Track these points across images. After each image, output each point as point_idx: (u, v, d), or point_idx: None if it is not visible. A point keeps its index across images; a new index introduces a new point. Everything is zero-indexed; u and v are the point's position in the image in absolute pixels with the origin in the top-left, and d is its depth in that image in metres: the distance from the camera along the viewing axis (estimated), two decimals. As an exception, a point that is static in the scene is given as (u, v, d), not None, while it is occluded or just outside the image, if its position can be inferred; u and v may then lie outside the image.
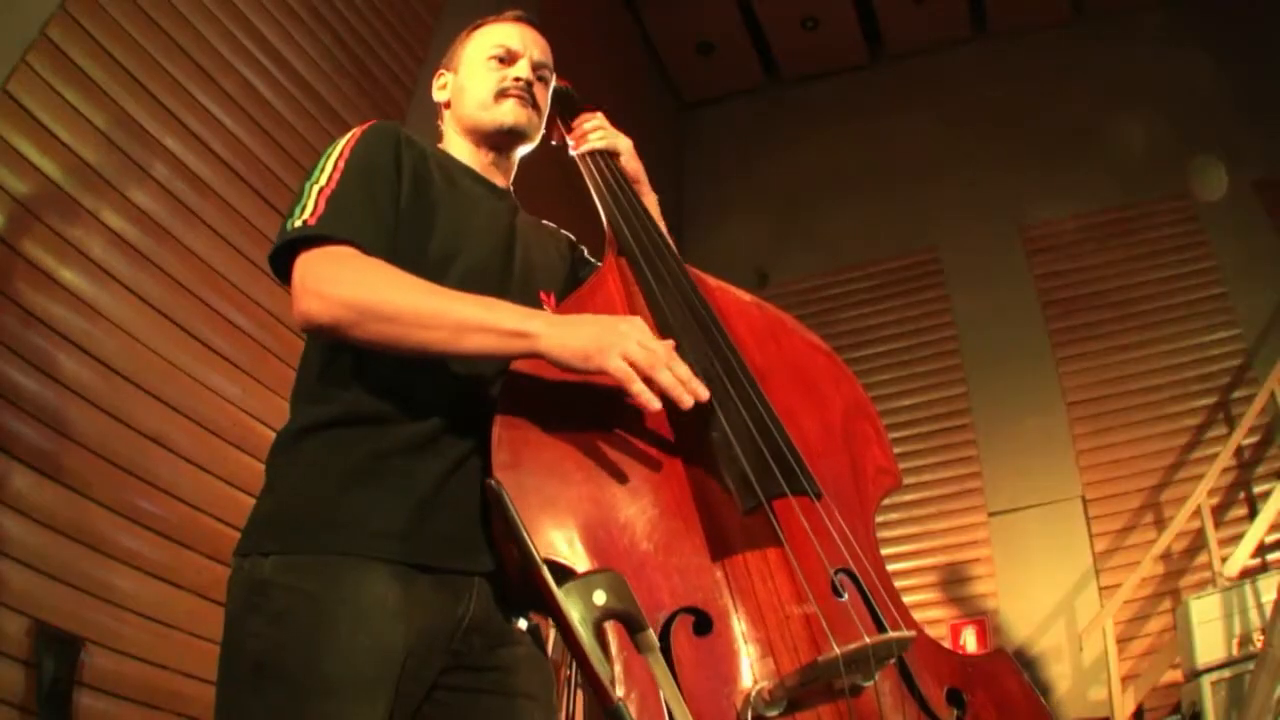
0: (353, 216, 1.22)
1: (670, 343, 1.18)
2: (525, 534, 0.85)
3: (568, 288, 1.51)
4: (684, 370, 1.15)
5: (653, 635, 0.92)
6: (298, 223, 1.20)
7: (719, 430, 1.16)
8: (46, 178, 2.46)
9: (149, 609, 2.46)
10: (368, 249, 1.20)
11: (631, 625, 0.91)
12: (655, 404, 1.12)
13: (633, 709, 0.98)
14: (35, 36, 2.47)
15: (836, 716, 1.03)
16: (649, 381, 1.11)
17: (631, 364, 1.11)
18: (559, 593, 0.83)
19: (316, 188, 1.24)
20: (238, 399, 2.89)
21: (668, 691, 0.92)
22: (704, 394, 1.16)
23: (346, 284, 1.15)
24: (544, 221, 1.61)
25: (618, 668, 1.01)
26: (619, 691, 0.99)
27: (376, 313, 1.13)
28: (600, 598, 0.87)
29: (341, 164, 1.27)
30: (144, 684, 2.41)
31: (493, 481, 0.94)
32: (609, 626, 1.02)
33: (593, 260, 1.64)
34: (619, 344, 1.12)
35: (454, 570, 1.20)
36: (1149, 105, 5.74)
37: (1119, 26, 6.26)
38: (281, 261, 1.21)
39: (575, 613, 0.84)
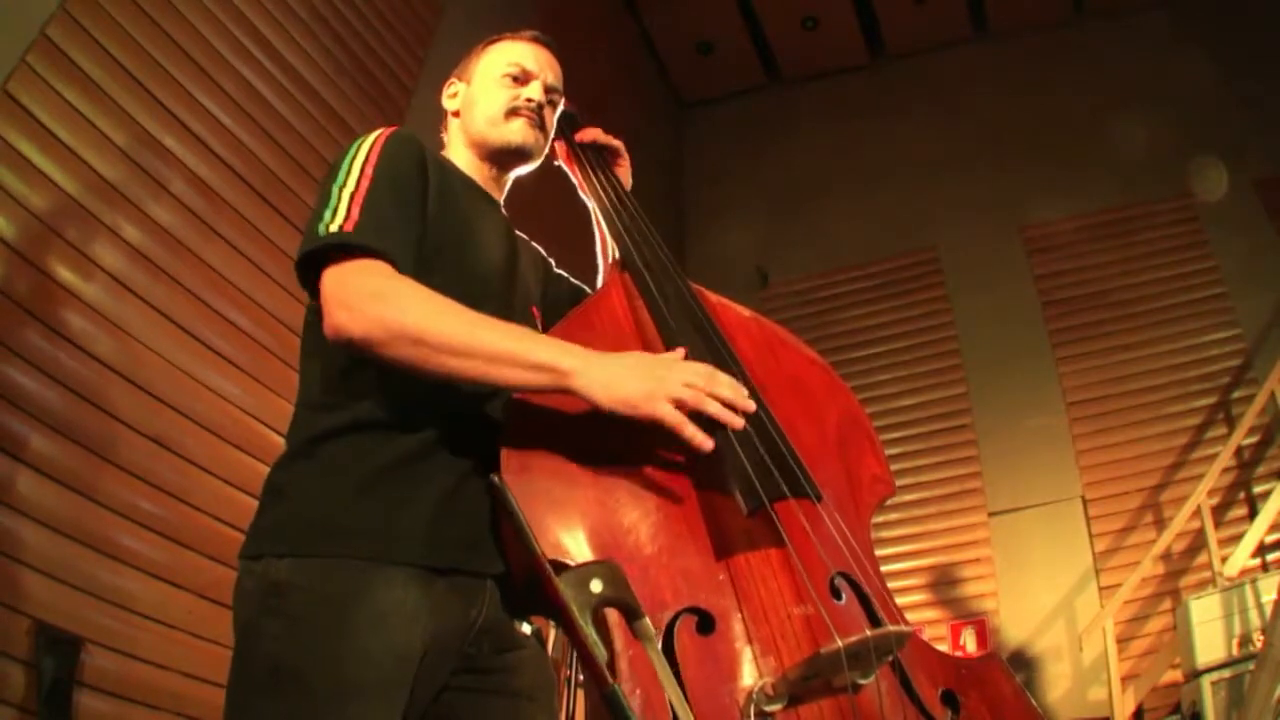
0: (388, 227, 1.21)
1: (711, 369, 1.18)
2: (526, 524, 0.87)
3: (542, 302, 1.53)
4: (726, 389, 1.16)
5: (649, 623, 0.93)
6: (332, 227, 1.18)
7: (723, 435, 1.17)
8: (45, 177, 2.46)
9: (149, 609, 2.47)
10: (399, 263, 1.19)
11: (628, 613, 0.92)
12: (708, 445, 1.13)
13: (636, 704, 1.00)
14: (35, 36, 2.47)
15: (838, 713, 1.04)
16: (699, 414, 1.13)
17: (680, 405, 1.12)
18: (559, 580, 0.85)
19: (346, 191, 1.22)
20: (238, 399, 2.89)
21: (663, 677, 0.93)
22: (751, 406, 1.17)
23: (382, 302, 1.14)
24: (518, 233, 1.62)
25: (623, 663, 1.02)
26: (624, 686, 1.00)
27: (408, 334, 1.13)
28: (597, 586, 0.89)
29: (370, 170, 1.25)
30: (144, 684, 2.41)
31: (495, 478, 0.95)
32: (613, 620, 1.03)
33: (561, 273, 1.65)
34: (665, 389, 1.13)
35: (469, 573, 1.21)
36: (1149, 105, 5.74)
37: (1119, 26, 6.27)
38: (308, 264, 1.20)
39: (573, 600, 0.86)
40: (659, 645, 0.97)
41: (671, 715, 0.95)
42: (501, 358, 1.13)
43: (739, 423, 1.15)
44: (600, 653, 0.82)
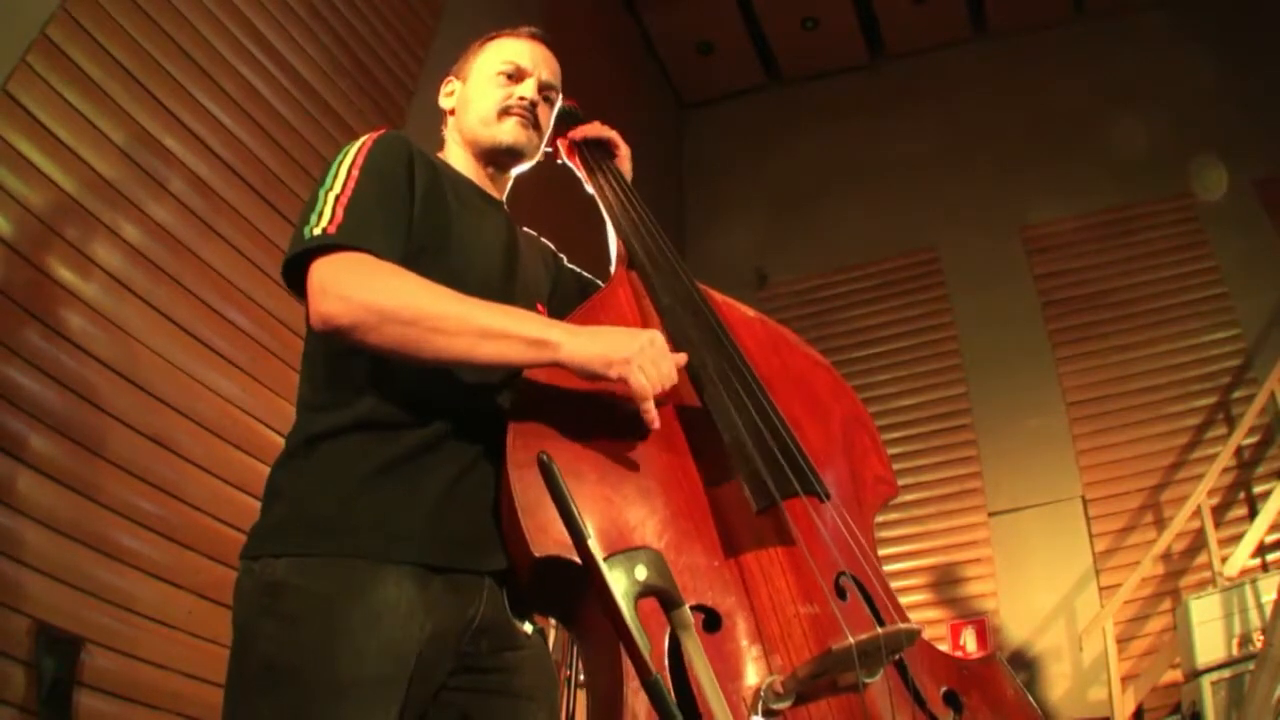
0: (372, 225, 1.22)
1: (680, 358, 1.21)
2: (573, 505, 0.85)
3: (550, 298, 1.53)
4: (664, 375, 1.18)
5: (688, 612, 0.92)
6: (316, 230, 1.19)
7: (733, 432, 1.18)
8: (45, 177, 2.45)
9: (149, 609, 2.46)
10: (384, 258, 1.20)
11: (668, 602, 0.91)
12: (656, 425, 1.15)
13: (641, 700, 0.99)
14: (35, 36, 2.47)
15: (845, 711, 1.04)
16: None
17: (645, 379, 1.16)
18: (604, 565, 0.84)
19: (332, 195, 1.23)
20: (238, 399, 2.89)
21: (700, 668, 0.93)
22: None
23: (368, 287, 1.15)
24: (526, 229, 1.61)
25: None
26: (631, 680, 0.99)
27: (397, 316, 1.13)
28: (642, 573, 0.87)
29: (356, 172, 1.26)
30: (144, 684, 2.41)
31: (544, 456, 0.94)
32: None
33: (573, 268, 1.65)
34: (638, 357, 1.15)
35: (466, 570, 1.20)
36: (1149, 105, 5.74)
37: (1119, 26, 6.27)
38: (295, 268, 1.20)
39: (619, 586, 0.84)
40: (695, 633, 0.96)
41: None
42: (488, 332, 1.14)
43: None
44: (644, 641, 0.81)
